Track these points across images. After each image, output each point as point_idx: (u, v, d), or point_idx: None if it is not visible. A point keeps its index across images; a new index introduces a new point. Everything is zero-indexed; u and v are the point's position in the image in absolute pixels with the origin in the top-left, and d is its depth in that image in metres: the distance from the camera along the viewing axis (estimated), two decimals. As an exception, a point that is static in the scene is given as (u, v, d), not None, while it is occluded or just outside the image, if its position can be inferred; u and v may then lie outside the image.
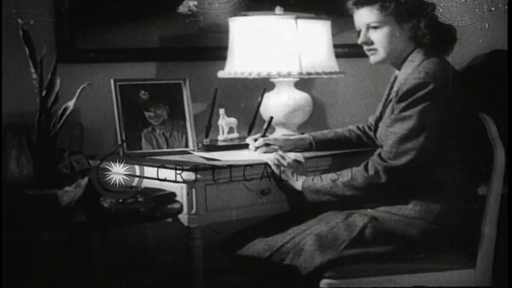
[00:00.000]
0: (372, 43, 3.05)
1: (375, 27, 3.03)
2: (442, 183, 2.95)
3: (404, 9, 2.99)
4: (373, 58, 3.08)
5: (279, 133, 3.58)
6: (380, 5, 3.00)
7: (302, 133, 3.50)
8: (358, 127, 3.37)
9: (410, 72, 2.96)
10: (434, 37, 3.00)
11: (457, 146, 2.97)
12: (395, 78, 3.11)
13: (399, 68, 3.05)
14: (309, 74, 3.53)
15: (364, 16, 3.04)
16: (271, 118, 3.46)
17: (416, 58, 3.00)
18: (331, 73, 3.60)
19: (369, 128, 3.33)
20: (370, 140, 3.30)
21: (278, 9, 3.59)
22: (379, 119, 3.12)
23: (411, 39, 3.01)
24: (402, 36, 3.02)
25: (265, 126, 3.42)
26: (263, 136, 3.37)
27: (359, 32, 3.09)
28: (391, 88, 3.11)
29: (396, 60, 3.06)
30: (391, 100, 3.03)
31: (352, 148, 3.35)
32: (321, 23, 3.61)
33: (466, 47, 4.03)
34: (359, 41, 3.08)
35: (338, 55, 3.68)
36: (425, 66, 2.94)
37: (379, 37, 3.03)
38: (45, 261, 3.36)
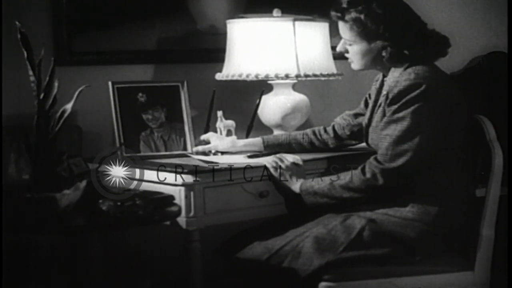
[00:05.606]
0: (348, 52, 3.07)
1: (349, 43, 3.05)
2: (440, 185, 2.95)
3: (372, 33, 2.98)
4: (352, 66, 3.11)
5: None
6: (350, 25, 3.00)
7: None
8: (313, 132, 3.37)
9: (398, 75, 2.97)
10: (422, 51, 2.99)
11: (455, 148, 2.97)
12: (382, 83, 3.10)
13: (386, 74, 3.06)
14: (307, 76, 3.53)
15: (341, 30, 3.07)
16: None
17: (399, 68, 3.00)
18: (329, 75, 3.60)
19: (325, 131, 3.34)
20: (323, 145, 3.34)
21: (276, 12, 3.59)
22: (368, 126, 3.12)
23: (390, 59, 3.00)
24: (377, 56, 3.01)
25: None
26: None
27: None
28: (379, 93, 3.11)
29: (380, 68, 3.07)
30: (380, 105, 3.03)
31: (303, 152, 3.34)
32: (319, 25, 3.62)
33: (464, 49, 4.04)
34: (337, 49, 3.11)
35: (336, 57, 3.68)
36: (414, 68, 2.94)
37: (351, 52, 3.06)
38: (43, 264, 3.36)
